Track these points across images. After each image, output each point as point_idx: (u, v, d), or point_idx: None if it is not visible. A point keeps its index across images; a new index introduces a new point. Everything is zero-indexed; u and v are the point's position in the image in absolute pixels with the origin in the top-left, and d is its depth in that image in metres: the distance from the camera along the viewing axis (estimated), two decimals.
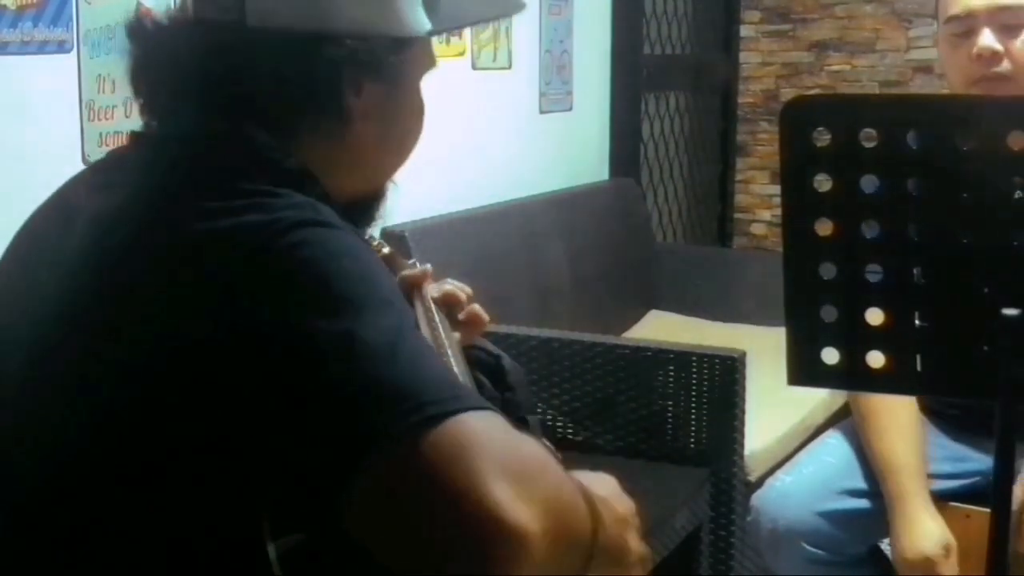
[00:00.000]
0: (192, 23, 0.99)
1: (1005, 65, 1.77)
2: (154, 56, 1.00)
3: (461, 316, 1.40)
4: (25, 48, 1.86)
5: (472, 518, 0.75)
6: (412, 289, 1.38)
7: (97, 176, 1.02)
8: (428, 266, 1.43)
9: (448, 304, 1.41)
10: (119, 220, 0.92)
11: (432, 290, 1.41)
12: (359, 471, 0.77)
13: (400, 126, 1.09)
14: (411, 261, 1.44)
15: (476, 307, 1.42)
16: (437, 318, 1.33)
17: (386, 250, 1.49)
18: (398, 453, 0.77)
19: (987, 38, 1.76)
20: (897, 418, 1.89)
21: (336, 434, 0.79)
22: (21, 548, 0.92)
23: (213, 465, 0.85)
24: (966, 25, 1.79)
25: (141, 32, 1.01)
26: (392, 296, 0.88)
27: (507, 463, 0.78)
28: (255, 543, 0.85)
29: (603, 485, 1.02)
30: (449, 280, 1.45)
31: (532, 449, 0.82)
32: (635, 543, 1.02)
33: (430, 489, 0.76)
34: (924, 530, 1.79)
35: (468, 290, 1.46)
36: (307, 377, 0.81)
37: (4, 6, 1.83)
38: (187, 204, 0.89)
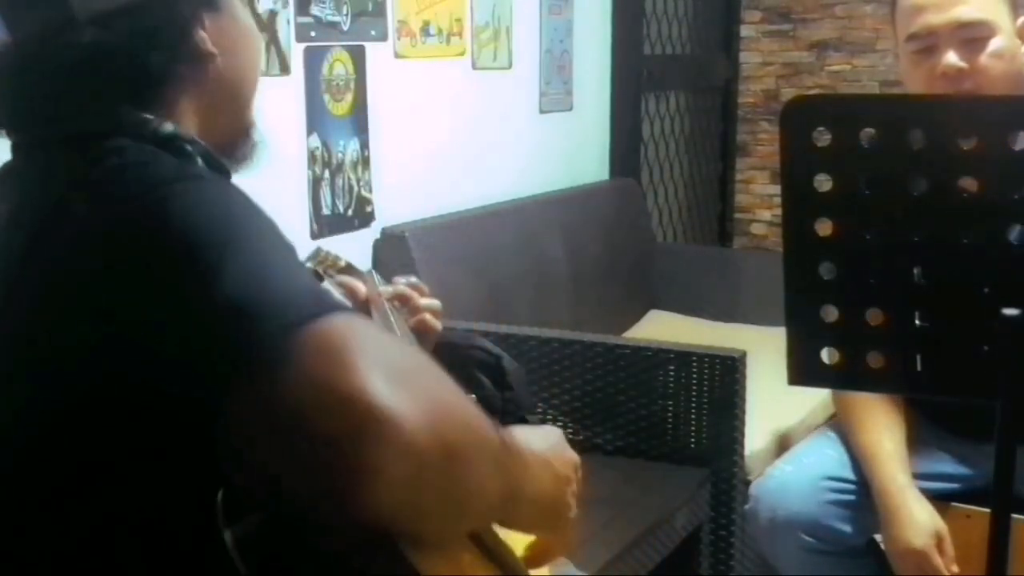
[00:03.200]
0: (20, 42, 0.99)
1: (969, 83, 1.76)
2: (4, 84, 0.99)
3: (411, 323, 1.40)
4: None
5: (339, 408, 0.73)
6: (369, 299, 1.38)
7: None
8: (373, 272, 1.43)
9: (401, 302, 1.41)
10: (10, 231, 0.93)
11: (386, 290, 1.41)
12: (232, 387, 0.76)
13: (248, 51, 1.09)
14: (367, 270, 1.45)
15: (426, 316, 1.42)
16: (393, 319, 1.34)
17: (343, 263, 1.49)
18: (266, 360, 0.76)
19: (951, 57, 1.76)
20: (879, 413, 1.90)
21: (207, 361, 0.78)
22: None
23: (145, 453, 0.85)
24: (927, 43, 1.79)
25: None
26: (260, 232, 0.87)
27: (379, 357, 0.77)
28: (209, 532, 0.83)
29: (545, 439, 1.02)
30: (400, 278, 1.45)
31: (407, 350, 0.82)
32: (573, 500, 1.03)
33: (301, 386, 0.74)
34: (914, 521, 1.80)
35: (424, 289, 1.46)
36: (177, 322, 0.81)
37: None
38: (63, 190, 0.90)
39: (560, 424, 2.31)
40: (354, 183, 2.62)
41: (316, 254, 1.45)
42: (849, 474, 1.93)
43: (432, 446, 0.76)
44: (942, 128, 1.26)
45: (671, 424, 2.28)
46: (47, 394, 0.87)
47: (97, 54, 0.95)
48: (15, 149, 1.02)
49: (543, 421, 2.21)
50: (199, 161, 0.99)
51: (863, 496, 1.90)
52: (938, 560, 1.77)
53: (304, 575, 0.84)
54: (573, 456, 1.05)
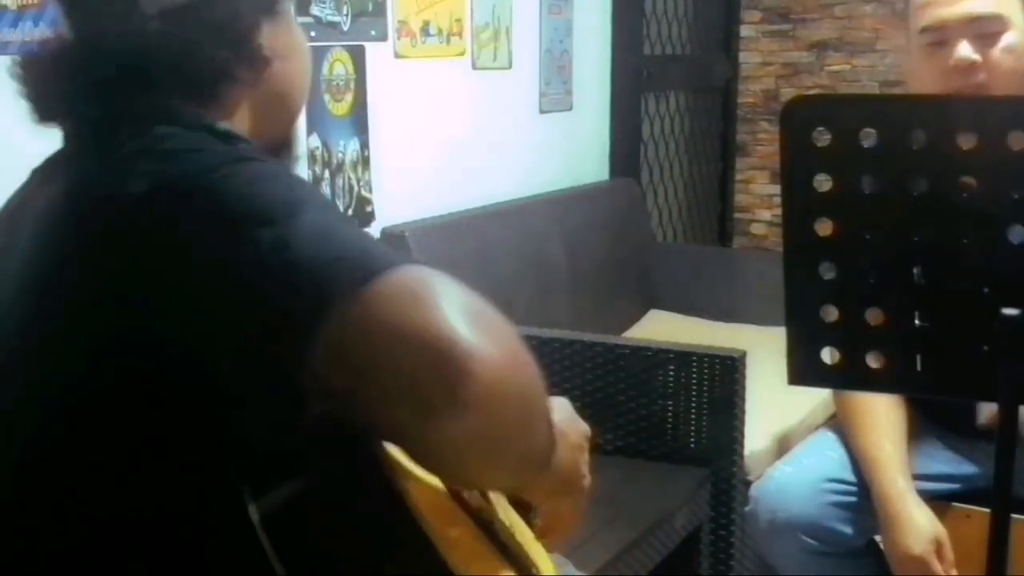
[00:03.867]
0: (90, 37, 0.98)
1: (982, 77, 1.76)
2: (65, 79, 0.99)
3: None
4: (25, 48, 1.86)
5: (427, 345, 0.78)
6: None
7: (43, 170, 1.04)
8: None
9: None
10: (58, 212, 0.93)
11: None
12: (321, 329, 0.79)
13: (302, 62, 1.10)
14: None
15: None
16: None
17: None
18: (352, 306, 0.79)
19: (964, 49, 1.76)
20: (879, 415, 1.90)
21: (293, 303, 0.81)
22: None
23: (184, 433, 0.86)
24: (939, 36, 1.78)
25: (40, 66, 1.01)
26: (324, 203, 0.90)
27: (461, 303, 0.81)
28: (237, 509, 0.85)
29: (558, 409, 1.05)
30: None
31: (479, 298, 0.84)
32: (586, 469, 1.06)
33: (388, 329, 0.79)
34: (913, 527, 1.79)
35: None
36: (255, 280, 0.83)
37: (4, 6, 1.83)
38: (117, 181, 0.90)
39: None
40: (354, 183, 2.62)
41: None
42: (849, 475, 1.93)
43: (510, 384, 0.81)
44: (942, 128, 1.26)
45: (671, 424, 2.28)
46: (93, 369, 0.87)
47: (160, 46, 0.96)
48: (67, 138, 1.01)
49: None
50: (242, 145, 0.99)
51: (863, 498, 1.90)
52: (937, 566, 1.77)
53: (330, 552, 0.86)
54: (584, 426, 1.10)
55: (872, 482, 1.86)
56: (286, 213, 0.85)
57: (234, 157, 0.90)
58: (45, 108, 1.01)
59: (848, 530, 1.91)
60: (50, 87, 0.99)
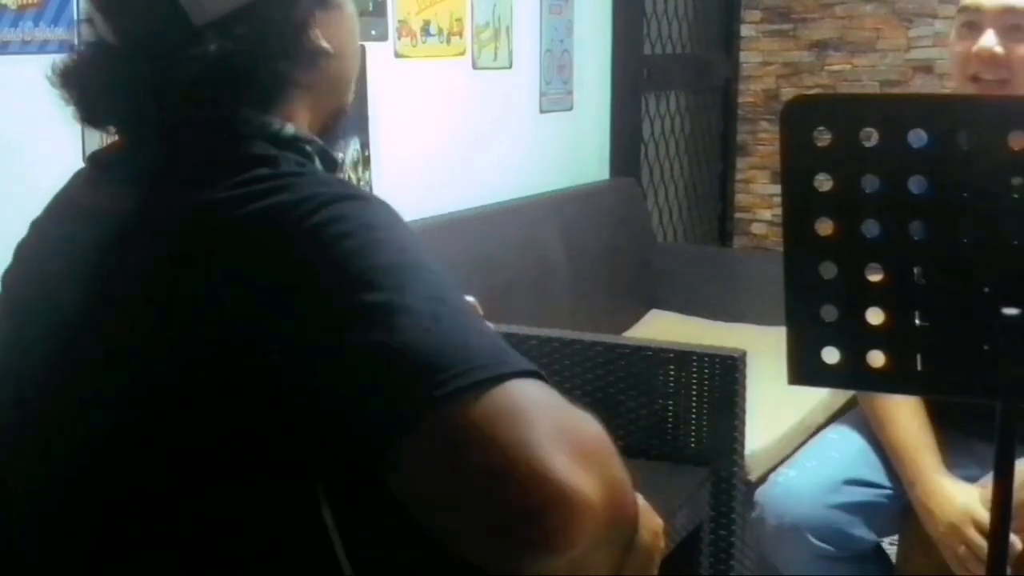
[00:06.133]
0: (132, 43, 0.96)
1: (1003, 72, 1.76)
2: (120, 84, 0.97)
3: None
4: (26, 48, 1.86)
5: (529, 482, 0.73)
6: None
7: (101, 173, 1.02)
8: None
9: None
10: (133, 217, 0.92)
11: None
12: (407, 437, 0.76)
13: (354, 38, 1.08)
14: None
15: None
16: None
17: None
18: (446, 418, 0.76)
19: (989, 39, 1.76)
20: (902, 404, 1.91)
21: (387, 402, 0.78)
22: (49, 552, 0.92)
23: (263, 447, 0.85)
24: (974, 18, 1.79)
25: (86, 68, 0.99)
26: (433, 263, 0.87)
27: (562, 430, 0.77)
28: (312, 510, 0.85)
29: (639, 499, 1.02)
30: None
31: (586, 420, 0.81)
32: (658, 561, 1.01)
33: (484, 453, 0.75)
34: (951, 496, 1.80)
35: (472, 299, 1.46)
36: (353, 351, 0.80)
37: (5, 6, 1.83)
38: (205, 194, 0.88)
39: None
40: (354, 183, 2.62)
41: None
42: (854, 475, 1.93)
43: (603, 529, 0.77)
44: (942, 128, 1.26)
45: (671, 424, 2.28)
46: (162, 378, 0.87)
47: (221, 64, 0.93)
48: (129, 142, 1.00)
49: None
50: (316, 161, 0.98)
51: (870, 497, 1.90)
52: (975, 536, 1.76)
53: (402, 563, 0.85)
54: (658, 521, 1.04)
55: (902, 467, 1.87)
56: (393, 277, 0.81)
57: (338, 194, 0.87)
58: (95, 110, 0.99)
59: (856, 531, 1.91)
60: (101, 91, 0.98)
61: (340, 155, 1.11)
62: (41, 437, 0.95)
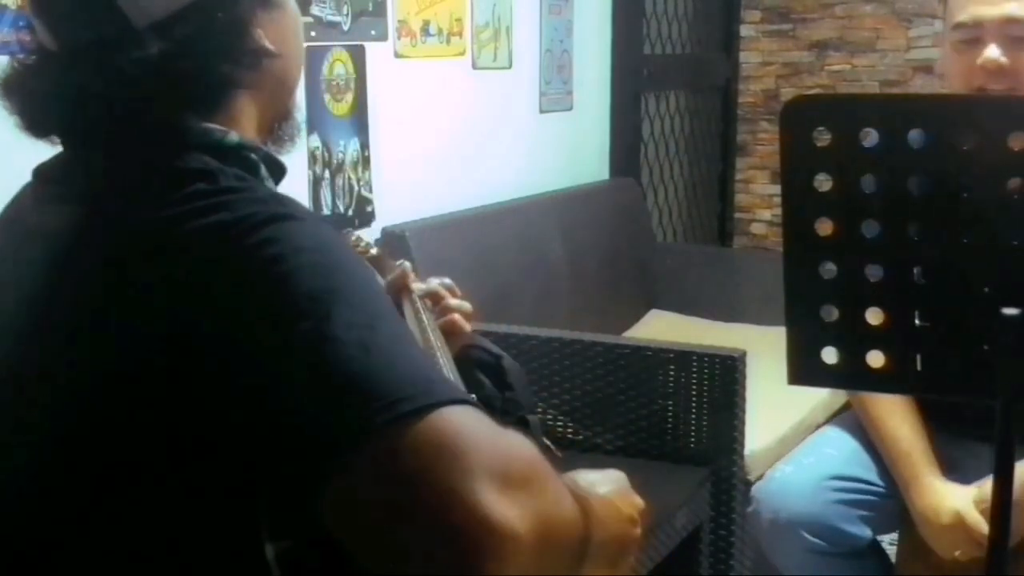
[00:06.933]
0: (73, 48, 0.95)
1: (1010, 82, 1.75)
2: (61, 92, 0.96)
3: (440, 323, 1.39)
4: (26, 48, 1.85)
5: (455, 518, 0.73)
6: (400, 291, 1.38)
7: (47, 188, 1.01)
8: (406, 264, 1.42)
9: (433, 301, 1.41)
10: (75, 236, 0.92)
11: (419, 287, 1.41)
12: (335, 472, 0.76)
13: (298, 39, 1.07)
14: (397, 262, 1.44)
15: (456, 316, 1.41)
16: (424, 317, 1.34)
17: (374, 251, 1.49)
18: (374, 451, 0.75)
19: (993, 51, 1.75)
20: (895, 406, 1.91)
21: (310, 435, 0.77)
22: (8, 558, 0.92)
23: (198, 469, 0.84)
24: (973, 34, 1.78)
25: (27, 76, 0.98)
26: (365, 287, 0.86)
27: (491, 461, 0.76)
28: (253, 544, 0.84)
29: (610, 482, 1.01)
30: (434, 278, 1.45)
31: (517, 447, 0.80)
32: (635, 545, 1.00)
33: (409, 488, 0.74)
34: (944, 498, 1.81)
35: (457, 291, 1.45)
36: (278, 380, 0.80)
37: (4, 6, 1.83)
38: (145, 211, 0.88)
39: (560, 424, 2.31)
40: (354, 183, 2.62)
41: (346, 238, 1.45)
42: (850, 472, 1.94)
43: (533, 560, 0.76)
44: (942, 128, 1.26)
45: (671, 424, 2.28)
46: (97, 394, 0.87)
47: (163, 66, 0.92)
48: (71, 151, 0.99)
49: (543, 421, 2.21)
50: (262, 168, 0.97)
51: (864, 494, 1.90)
52: (973, 531, 1.76)
53: None
54: (638, 500, 1.04)
55: (896, 468, 1.87)
56: (323, 303, 0.81)
57: (273, 214, 0.86)
58: (37, 120, 0.98)
59: (851, 528, 1.91)
60: (39, 99, 0.97)
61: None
62: None
